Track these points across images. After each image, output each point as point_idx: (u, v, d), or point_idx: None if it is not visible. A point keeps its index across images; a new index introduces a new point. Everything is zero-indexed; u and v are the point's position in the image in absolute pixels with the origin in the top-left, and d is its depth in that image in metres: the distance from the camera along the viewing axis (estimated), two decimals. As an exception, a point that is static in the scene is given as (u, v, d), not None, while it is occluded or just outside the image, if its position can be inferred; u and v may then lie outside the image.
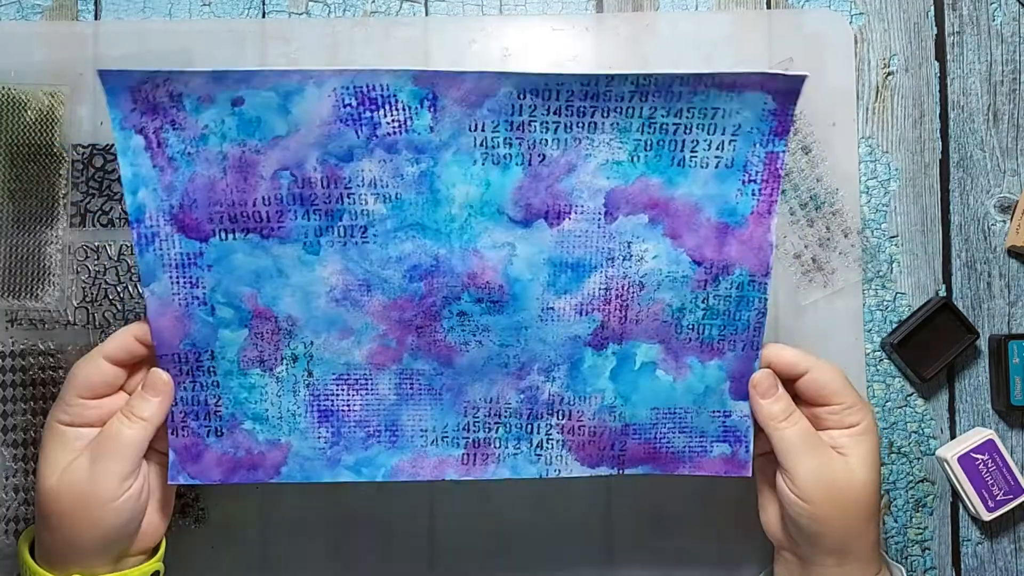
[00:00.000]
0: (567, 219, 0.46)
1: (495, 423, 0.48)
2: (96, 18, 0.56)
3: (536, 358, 0.47)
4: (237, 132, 0.43)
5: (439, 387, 0.47)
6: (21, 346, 0.55)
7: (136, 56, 0.55)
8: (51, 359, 0.54)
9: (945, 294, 0.57)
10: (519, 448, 0.48)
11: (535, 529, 0.56)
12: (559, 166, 0.45)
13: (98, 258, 0.55)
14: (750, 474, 0.49)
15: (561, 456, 0.48)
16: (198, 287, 0.45)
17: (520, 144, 0.44)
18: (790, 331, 0.56)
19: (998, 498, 0.55)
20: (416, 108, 0.44)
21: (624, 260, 0.46)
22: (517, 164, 0.45)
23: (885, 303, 0.57)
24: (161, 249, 0.45)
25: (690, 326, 0.47)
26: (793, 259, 0.56)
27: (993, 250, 0.57)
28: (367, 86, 0.43)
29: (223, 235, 0.45)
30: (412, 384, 0.47)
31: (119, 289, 0.55)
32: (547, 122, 0.44)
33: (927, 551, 0.57)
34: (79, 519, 0.44)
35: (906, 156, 0.57)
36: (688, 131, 0.44)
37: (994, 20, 0.58)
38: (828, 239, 0.56)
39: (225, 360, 0.46)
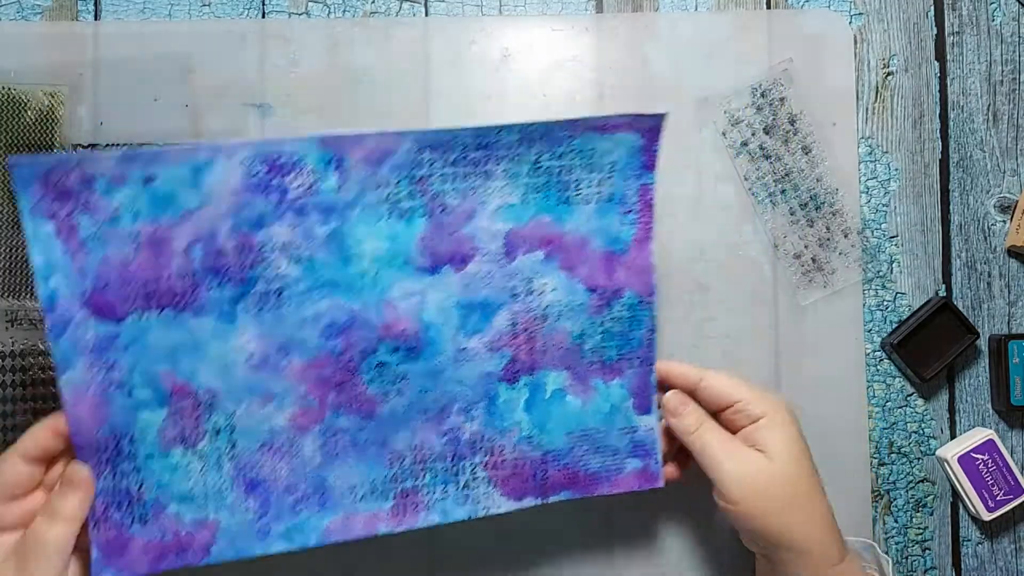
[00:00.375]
0: (471, 262, 0.47)
1: (421, 470, 0.48)
2: (96, 18, 0.56)
3: (455, 399, 0.48)
4: (149, 210, 0.43)
5: (363, 441, 0.48)
6: (21, 346, 0.55)
7: (136, 57, 0.55)
8: (51, 359, 0.54)
9: (945, 294, 0.57)
10: (447, 492, 0.49)
11: (535, 529, 0.56)
12: (459, 214, 0.47)
13: (98, 258, 0.55)
14: (662, 484, 0.51)
15: (488, 493, 0.49)
16: (115, 370, 0.44)
17: (422, 196, 0.46)
18: (790, 331, 0.56)
19: (998, 498, 0.55)
20: (322, 171, 0.45)
21: (527, 295, 0.49)
22: (420, 216, 0.47)
23: (885, 303, 0.57)
24: (76, 335, 0.44)
25: (591, 350, 0.50)
26: (793, 259, 0.56)
27: (993, 250, 0.57)
28: (275, 154, 0.44)
29: (138, 314, 0.44)
30: (337, 442, 0.47)
31: (119, 289, 0.55)
32: (445, 174, 0.46)
33: (927, 551, 0.57)
34: None
35: (906, 156, 0.57)
36: (571, 172, 0.48)
37: (994, 20, 0.58)
38: (828, 239, 0.56)
39: (145, 443, 0.45)
